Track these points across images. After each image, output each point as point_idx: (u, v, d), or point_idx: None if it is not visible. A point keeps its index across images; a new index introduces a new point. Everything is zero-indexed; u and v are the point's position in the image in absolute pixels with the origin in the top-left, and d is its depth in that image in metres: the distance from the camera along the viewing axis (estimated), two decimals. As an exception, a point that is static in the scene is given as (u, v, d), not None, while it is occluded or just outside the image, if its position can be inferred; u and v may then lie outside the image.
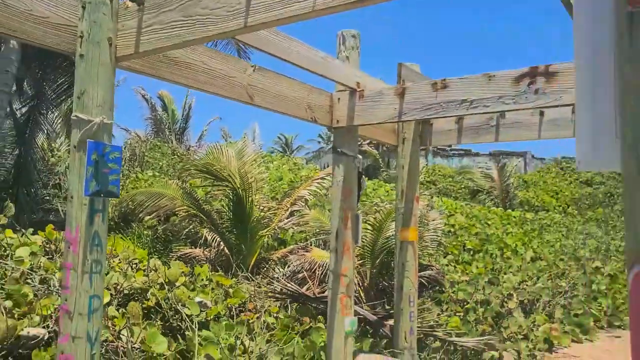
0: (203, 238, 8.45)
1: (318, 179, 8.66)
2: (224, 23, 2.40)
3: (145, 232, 9.75)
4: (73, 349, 2.47)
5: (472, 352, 5.62)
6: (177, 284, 5.24)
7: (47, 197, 14.25)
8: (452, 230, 10.85)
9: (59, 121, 15.14)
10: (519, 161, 32.41)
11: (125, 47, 2.73)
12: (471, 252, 9.62)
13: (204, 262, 7.66)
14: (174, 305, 4.85)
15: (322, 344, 4.85)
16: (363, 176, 4.51)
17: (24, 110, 10.44)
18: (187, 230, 8.41)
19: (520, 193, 23.76)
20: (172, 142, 26.09)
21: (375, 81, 4.65)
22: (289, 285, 5.92)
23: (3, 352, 3.34)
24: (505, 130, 4.97)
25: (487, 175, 23.11)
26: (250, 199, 7.51)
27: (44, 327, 3.59)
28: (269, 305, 6.00)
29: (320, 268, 6.56)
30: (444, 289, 7.26)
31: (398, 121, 4.36)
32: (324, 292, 6.31)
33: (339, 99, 4.47)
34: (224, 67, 3.54)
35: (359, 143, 5.20)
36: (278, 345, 4.77)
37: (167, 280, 5.22)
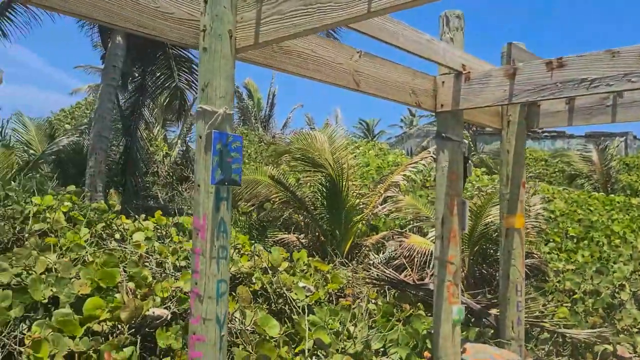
0: (296, 224, 8.61)
1: (412, 163, 8.55)
2: (345, 10, 2.38)
3: (241, 218, 10.08)
4: (204, 330, 2.60)
5: (583, 344, 5.34)
6: (280, 269, 5.37)
7: (147, 185, 15.10)
8: (552, 216, 10.35)
9: (155, 112, 15.95)
10: (621, 142, 30.29)
11: (244, 39, 2.80)
12: (575, 240, 9.13)
13: (299, 248, 7.81)
14: (278, 290, 4.97)
15: (425, 331, 4.80)
16: (469, 161, 4.38)
17: (128, 103, 11.08)
18: (281, 216, 8.60)
19: (622, 177, 22.22)
20: (258, 130, 26.78)
21: (481, 63, 4.48)
22: (387, 271, 5.89)
23: (131, 330, 3.57)
24: (623, 110, 4.63)
25: (586, 158, 21.78)
26: (344, 185, 7.54)
27: (165, 308, 3.80)
28: (367, 292, 6.02)
29: (419, 255, 6.48)
30: (547, 278, 6.95)
31: (508, 104, 4.18)
32: (423, 280, 6.24)
33: (443, 82, 4.35)
34: (332, 54, 3.54)
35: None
36: (380, 331, 4.78)
37: (270, 265, 5.36)
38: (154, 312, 3.63)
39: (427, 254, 6.57)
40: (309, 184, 8.79)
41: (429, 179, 11.87)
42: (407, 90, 4.17)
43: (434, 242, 6.96)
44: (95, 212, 6.17)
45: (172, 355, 3.69)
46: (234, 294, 4.61)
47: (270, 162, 12.27)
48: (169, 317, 3.70)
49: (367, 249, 8.04)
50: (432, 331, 4.35)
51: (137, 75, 10.88)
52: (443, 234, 4.24)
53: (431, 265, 6.39)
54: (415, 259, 6.37)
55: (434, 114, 4.50)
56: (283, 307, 4.84)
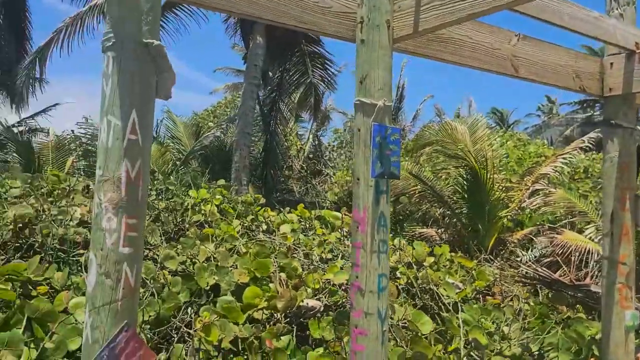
0: (434, 218, 8.40)
1: (563, 154, 7.93)
2: (517, -11, 2.21)
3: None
4: (366, 324, 2.58)
5: None
6: (425, 264, 5.26)
7: (282, 179, 15.68)
8: None
9: (289, 108, 16.44)
10: None
11: (401, 28, 2.73)
12: None
13: (439, 243, 7.61)
14: (424, 285, 4.86)
15: (589, 337, 4.40)
16: (644, 150, 3.92)
17: (267, 100, 11.58)
18: (418, 210, 8.44)
19: None
20: (388, 123, 26.59)
21: (657, 39, 3.97)
22: (540, 269, 5.51)
23: (287, 320, 3.69)
24: None
25: None
26: (488, 177, 7.19)
27: (317, 299, 3.88)
28: (518, 290, 5.69)
29: (576, 253, 5.98)
30: None
31: (694, 84, 3.67)
32: (580, 280, 5.75)
33: (611, 63, 3.93)
34: (489, 39, 3.35)
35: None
36: (538, 334, 4.47)
37: (414, 259, 5.27)
38: (307, 303, 3.72)
39: (584, 252, 6.05)
40: (447, 177, 8.54)
41: (577, 171, 10.96)
42: (570, 74, 3.82)
43: (591, 239, 6.40)
44: (243, 205, 6.50)
45: (325, 345, 3.75)
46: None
47: (405, 154, 12.12)
48: (321, 308, 3.77)
49: (513, 245, 7.62)
50: (599, 337, 3.97)
51: (275, 73, 11.33)
52: (613, 231, 3.84)
53: (590, 265, 5.88)
54: (572, 258, 5.89)
55: (599, 99, 4.09)
56: (429, 303, 4.73)
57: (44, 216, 4.02)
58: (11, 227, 3.61)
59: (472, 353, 3.81)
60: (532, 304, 5.32)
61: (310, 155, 18.46)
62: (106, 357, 1.90)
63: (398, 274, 5.00)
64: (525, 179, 7.86)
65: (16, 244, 3.77)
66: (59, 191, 5.00)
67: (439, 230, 7.76)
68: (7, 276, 2.90)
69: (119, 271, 1.93)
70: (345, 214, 6.38)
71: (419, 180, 8.00)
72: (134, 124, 1.99)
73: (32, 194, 4.54)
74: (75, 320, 2.95)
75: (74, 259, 3.85)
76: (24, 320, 2.77)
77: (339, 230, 6.17)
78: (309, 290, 4.05)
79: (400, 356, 3.33)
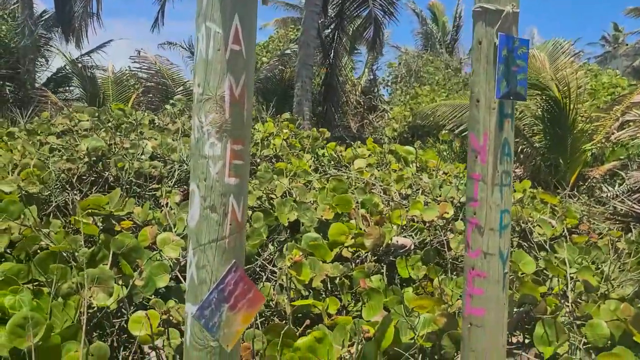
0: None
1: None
2: None
3: (442, 146, 9.63)
4: (485, 265, 2.29)
5: None
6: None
7: (340, 114, 15.28)
8: None
9: (345, 40, 15.76)
10: None
11: None
12: None
13: (514, 179, 7.16)
14: (513, 223, 4.52)
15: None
16: None
17: (328, 30, 11.04)
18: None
19: None
20: (443, 56, 25.46)
21: None
22: (636, 206, 5.05)
23: (375, 258, 3.45)
24: None
25: None
26: (572, 108, 6.61)
27: (409, 237, 3.61)
28: (608, 229, 5.27)
29: (673, 188, 5.46)
30: None
31: None
32: (683, 217, 5.27)
33: None
34: None
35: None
36: (638, 274, 4.10)
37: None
38: (397, 241, 3.46)
39: (683, 188, 5.51)
40: (524, 108, 7.94)
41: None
42: None
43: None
44: (309, 139, 6.23)
45: (414, 285, 3.51)
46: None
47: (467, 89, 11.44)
48: (412, 246, 3.50)
49: (595, 181, 7.10)
50: None
51: (334, 1, 10.74)
52: None
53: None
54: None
55: None
56: (520, 241, 4.40)
57: (116, 149, 3.86)
58: (85, 159, 3.46)
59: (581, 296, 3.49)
60: (625, 242, 4.91)
61: (366, 90, 17.89)
62: (215, 299, 1.68)
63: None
64: (614, 109, 7.23)
65: (91, 178, 3.64)
66: (127, 125, 4.84)
67: (514, 166, 7.29)
68: (88, 210, 2.75)
69: (226, 205, 1.68)
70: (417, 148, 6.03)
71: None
72: (236, 31, 1.68)
73: (101, 127, 4.38)
74: (161, 256, 2.80)
75: (150, 193, 3.69)
76: (110, 256, 2.62)
77: (413, 164, 5.84)
78: (394, 227, 3.78)
79: (510, 298, 3.05)
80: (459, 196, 4.57)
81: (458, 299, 3.22)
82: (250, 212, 3.68)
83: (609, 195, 6.27)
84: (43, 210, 3.09)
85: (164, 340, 2.39)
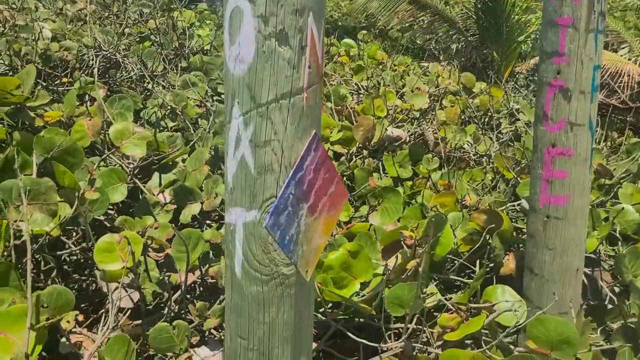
0: (446, 49, 7.47)
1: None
2: None
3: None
4: (570, 140, 1.77)
5: None
6: (475, 90, 4.47)
7: None
8: None
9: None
10: None
11: None
12: None
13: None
14: (481, 114, 4.13)
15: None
16: None
17: None
18: (426, 42, 7.46)
19: None
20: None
21: None
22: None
23: (367, 155, 2.86)
24: None
25: None
26: (507, -3, 6.25)
27: (397, 128, 3.03)
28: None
29: (616, 75, 5.36)
30: None
31: None
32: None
33: None
34: None
35: None
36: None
37: (461, 86, 4.47)
38: (392, 132, 2.87)
39: (623, 73, 5.43)
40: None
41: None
42: None
43: (630, 60, 5.78)
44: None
45: (405, 184, 2.99)
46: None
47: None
48: (407, 139, 2.94)
49: (523, 75, 6.95)
50: None
51: None
52: None
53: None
54: (623, 80, 5.26)
55: None
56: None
57: (5, 29, 2.78)
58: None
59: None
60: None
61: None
62: (292, 197, 0.99)
63: (445, 103, 4.19)
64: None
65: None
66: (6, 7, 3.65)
67: (449, 63, 6.91)
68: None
69: (302, 30, 0.95)
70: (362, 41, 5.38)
71: (427, 8, 6.92)
72: None
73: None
74: (122, 156, 1.97)
75: (63, 88, 2.73)
76: (34, 164, 1.76)
77: (358, 59, 5.19)
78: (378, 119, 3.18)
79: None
80: (428, 87, 4.05)
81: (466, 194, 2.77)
82: (197, 108, 2.86)
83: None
84: None
85: (140, 274, 1.65)
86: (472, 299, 1.89)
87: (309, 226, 1.04)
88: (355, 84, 3.99)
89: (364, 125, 2.79)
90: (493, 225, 2.15)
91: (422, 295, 1.72)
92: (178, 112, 2.63)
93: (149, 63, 3.33)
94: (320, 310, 1.77)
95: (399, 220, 2.42)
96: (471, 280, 1.92)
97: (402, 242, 1.94)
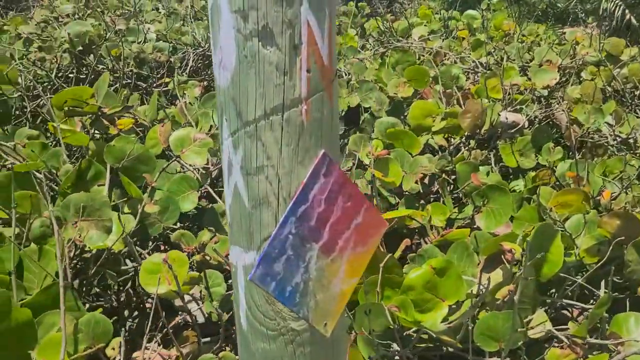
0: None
1: None
2: None
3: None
4: None
5: None
6: (623, 58, 3.79)
7: None
8: None
9: None
10: None
11: None
12: None
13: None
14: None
15: None
16: None
17: None
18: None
19: None
20: None
21: None
22: None
23: (474, 143, 2.51)
24: None
25: None
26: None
27: (515, 111, 2.63)
28: None
29: None
30: None
31: None
32: None
33: None
34: None
35: None
36: None
37: (604, 54, 3.81)
38: (506, 118, 2.48)
39: None
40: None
41: None
42: None
43: None
44: (348, 16, 5.13)
45: (526, 177, 2.58)
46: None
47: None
48: (525, 124, 2.53)
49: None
50: None
51: None
52: None
53: None
54: None
55: None
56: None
57: (108, 35, 2.88)
58: (65, 46, 2.50)
59: None
60: None
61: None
62: (292, 237, 0.78)
63: (585, 76, 3.59)
64: None
65: (81, 76, 2.70)
66: (122, 12, 3.82)
67: (597, 26, 6.03)
68: (65, 109, 1.82)
69: (293, 25, 0.73)
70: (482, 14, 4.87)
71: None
72: None
73: (89, 13, 3.37)
74: (183, 167, 1.90)
75: (159, 88, 2.75)
76: (107, 173, 1.74)
77: (478, 31, 4.71)
78: (488, 102, 2.79)
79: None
80: (560, 58, 3.50)
81: (603, 189, 2.30)
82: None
83: None
84: (11, 120, 2.20)
85: (201, 291, 1.55)
86: (593, 330, 1.52)
87: (323, 270, 0.82)
88: (473, 61, 3.58)
89: (472, 111, 2.44)
90: (628, 233, 1.73)
91: (522, 327, 1.41)
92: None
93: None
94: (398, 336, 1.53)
95: (511, 221, 2.09)
96: (593, 306, 1.55)
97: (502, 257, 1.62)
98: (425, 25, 4.31)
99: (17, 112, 2.29)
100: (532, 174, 2.50)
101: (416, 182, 2.05)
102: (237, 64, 0.74)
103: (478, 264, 1.74)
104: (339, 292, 0.85)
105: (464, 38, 4.24)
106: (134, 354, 1.52)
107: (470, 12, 4.98)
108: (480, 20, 4.77)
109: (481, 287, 1.59)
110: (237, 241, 0.83)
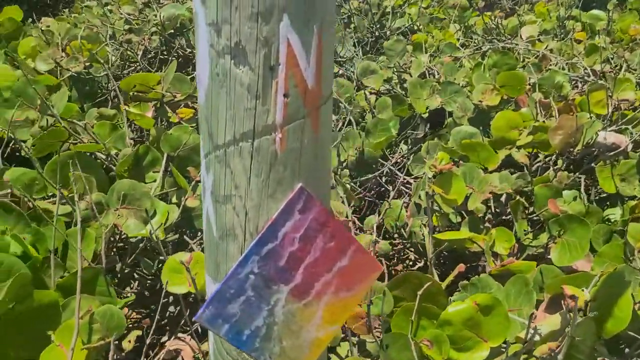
0: None
1: None
2: None
3: None
4: None
5: None
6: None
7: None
8: None
9: None
10: None
11: None
12: None
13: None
14: None
15: None
16: None
17: None
18: None
19: None
20: None
21: None
22: None
23: (566, 165, 2.26)
24: None
25: None
26: None
27: (619, 132, 2.32)
28: None
29: None
30: None
31: None
32: None
33: None
34: None
35: None
36: None
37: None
38: (605, 138, 2.19)
39: None
40: None
41: None
42: None
43: None
44: (455, 9, 4.84)
45: (624, 205, 2.28)
46: None
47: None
48: (628, 147, 2.22)
49: None
50: None
51: None
52: None
53: None
54: None
55: None
56: None
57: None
58: (154, 29, 2.58)
59: None
60: None
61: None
62: (252, 275, 0.70)
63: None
64: None
65: (168, 59, 2.78)
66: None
67: None
68: (132, 93, 1.86)
69: (268, 40, 0.64)
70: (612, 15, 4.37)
71: None
72: None
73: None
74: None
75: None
76: (163, 161, 1.76)
77: (599, 34, 4.25)
78: (587, 116, 2.49)
79: None
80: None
81: None
82: (373, 98, 2.61)
83: None
84: (94, 98, 2.30)
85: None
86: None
87: (293, 315, 0.73)
88: (585, 68, 3.22)
89: (565, 127, 2.18)
90: None
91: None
92: (340, 104, 2.42)
93: (338, 48, 3.19)
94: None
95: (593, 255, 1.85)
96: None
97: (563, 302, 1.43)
98: (538, 25, 3.95)
99: (103, 91, 2.40)
100: (632, 203, 2.20)
101: (482, 202, 1.87)
102: (210, 81, 0.67)
103: (542, 303, 1.55)
104: (313, 339, 0.76)
105: (580, 41, 3.84)
106: (166, 341, 1.54)
107: (595, 11, 4.51)
108: (605, 21, 4.30)
109: (533, 331, 1.41)
110: (208, 269, 0.77)
